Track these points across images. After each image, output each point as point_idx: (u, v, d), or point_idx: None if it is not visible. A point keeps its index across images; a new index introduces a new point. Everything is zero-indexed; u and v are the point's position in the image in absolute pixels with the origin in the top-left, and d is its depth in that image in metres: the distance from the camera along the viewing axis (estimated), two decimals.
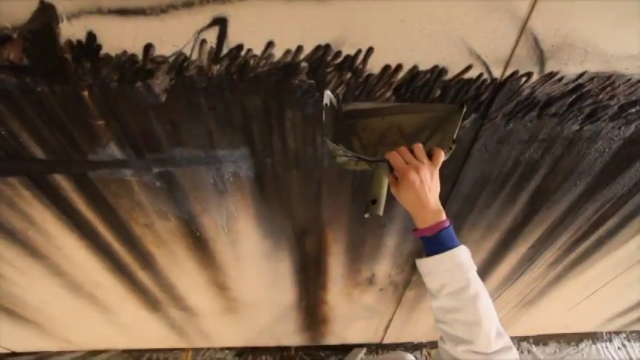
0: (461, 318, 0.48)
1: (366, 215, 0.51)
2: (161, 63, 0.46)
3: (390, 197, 0.54)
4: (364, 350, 1.44)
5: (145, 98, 0.50)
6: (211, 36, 0.43)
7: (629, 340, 1.56)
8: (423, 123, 0.55)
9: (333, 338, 1.36)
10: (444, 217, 0.50)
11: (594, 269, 1.04)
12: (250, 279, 0.96)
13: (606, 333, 1.56)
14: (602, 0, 0.43)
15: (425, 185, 0.49)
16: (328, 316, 1.19)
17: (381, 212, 0.51)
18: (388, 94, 0.51)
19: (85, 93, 0.48)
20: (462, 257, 0.49)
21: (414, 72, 0.49)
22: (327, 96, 0.50)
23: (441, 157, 0.51)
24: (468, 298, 0.47)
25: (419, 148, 0.51)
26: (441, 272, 0.49)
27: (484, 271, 1.01)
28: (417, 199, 0.50)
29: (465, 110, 0.51)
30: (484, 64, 0.48)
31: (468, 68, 0.49)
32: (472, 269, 0.49)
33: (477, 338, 0.46)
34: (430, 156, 0.52)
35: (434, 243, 0.50)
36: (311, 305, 1.12)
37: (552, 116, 0.56)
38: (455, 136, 0.51)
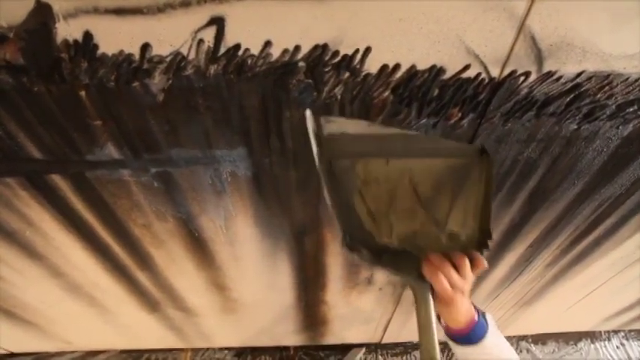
0: None
1: None
2: (158, 63, 0.45)
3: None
4: (363, 350, 1.44)
5: (143, 98, 0.49)
6: (209, 36, 0.43)
7: (627, 339, 1.56)
8: (440, 176, 0.45)
9: (332, 338, 1.36)
10: (473, 311, 0.49)
11: (592, 269, 1.04)
12: (249, 279, 0.96)
13: (605, 332, 1.57)
14: None
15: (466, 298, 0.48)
16: (327, 316, 1.19)
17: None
18: (386, 93, 0.51)
19: (82, 93, 0.48)
20: (490, 342, 0.49)
21: (412, 71, 0.49)
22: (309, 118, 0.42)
23: (482, 266, 0.46)
24: None
25: (465, 264, 0.45)
26: (474, 356, 0.50)
27: (482, 272, 1.01)
28: (455, 311, 0.48)
29: (490, 161, 0.40)
30: (482, 63, 0.48)
31: (466, 68, 0.49)
32: (499, 345, 0.50)
33: None
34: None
35: (466, 338, 0.50)
36: (310, 305, 1.12)
37: (550, 116, 0.56)
38: (489, 225, 0.41)
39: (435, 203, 0.44)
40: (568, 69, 0.50)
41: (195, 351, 1.43)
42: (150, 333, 1.20)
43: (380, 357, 1.46)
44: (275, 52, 0.45)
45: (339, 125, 0.46)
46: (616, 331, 1.57)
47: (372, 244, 0.46)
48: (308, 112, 0.44)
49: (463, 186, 0.44)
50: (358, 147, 0.46)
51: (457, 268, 0.45)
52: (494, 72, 0.49)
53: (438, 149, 0.44)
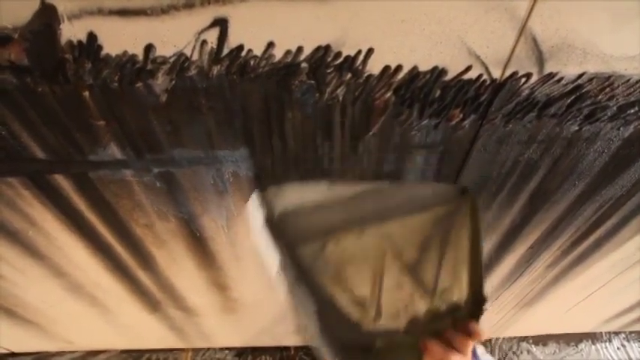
0: None
1: None
2: (161, 63, 0.46)
3: None
4: None
5: (146, 99, 0.50)
6: (212, 37, 0.44)
7: (628, 341, 1.56)
8: (422, 235, 0.36)
9: None
10: None
11: (593, 270, 1.04)
12: (250, 279, 0.96)
13: (605, 333, 1.57)
14: (601, 0, 0.43)
15: None
16: None
17: None
18: (388, 94, 0.52)
19: (86, 93, 0.49)
20: None
21: (414, 73, 0.49)
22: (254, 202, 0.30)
23: (480, 338, 0.41)
24: None
25: (466, 345, 0.42)
26: None
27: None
28: None
29: (473, 200, 0.32)
30: (483, 64, 0.48)
31: (468, 69, 0.49)
32: None
33: None
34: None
35: None
36: None
37: (551, 117, 0.56)
38: (482, 282, 0.34)
39: (422, 269, 0.37)
40: (569, 70, 0.50)
41: (196, 351, 1.43)
42: (151, 333, 1.20)
43: None
44: (278, 53, 0.46)
45: (294, 195, 0.37)
46: (617, 333, 1.57)
47: (361, 336, 0.38)
48: (252, 198, 0.32)
49: (449, 238, 0.37)
50: (323, 220, 0.36)
51: (458, 349, 0.43)
52: (496, 73, 0.50)
53: (413, 201, 0.36)
